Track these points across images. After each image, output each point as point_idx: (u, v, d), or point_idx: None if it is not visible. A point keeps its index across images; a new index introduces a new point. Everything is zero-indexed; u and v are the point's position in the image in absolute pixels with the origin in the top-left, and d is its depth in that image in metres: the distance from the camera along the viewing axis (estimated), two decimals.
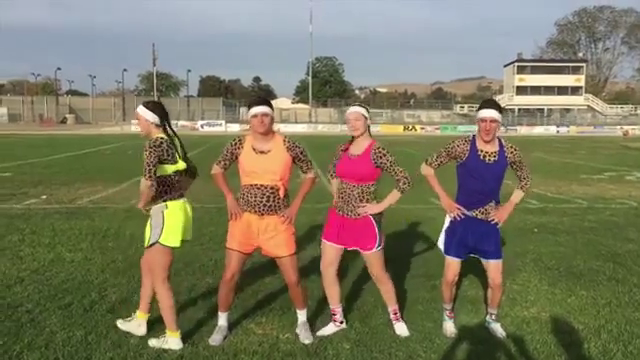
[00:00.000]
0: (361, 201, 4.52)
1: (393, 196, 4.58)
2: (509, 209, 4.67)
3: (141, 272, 4.82)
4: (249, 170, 4.42)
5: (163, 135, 4.39)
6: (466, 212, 4.65)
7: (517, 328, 4.92)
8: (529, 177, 4.72)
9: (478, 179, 4.59)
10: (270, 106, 4.46)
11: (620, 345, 4.57)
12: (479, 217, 4.65)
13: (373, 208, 4.52)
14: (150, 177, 4.16)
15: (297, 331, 4.71)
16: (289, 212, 4.50)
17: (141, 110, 4.44)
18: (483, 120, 4.53)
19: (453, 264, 4.77)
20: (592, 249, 7.75)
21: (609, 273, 6.59)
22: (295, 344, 4.53)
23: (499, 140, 4.63)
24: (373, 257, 4.62)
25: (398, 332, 4.73)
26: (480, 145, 4.61)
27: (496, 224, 4.64)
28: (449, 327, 4.86)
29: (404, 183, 4.51)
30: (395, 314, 4.82)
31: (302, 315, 4.74)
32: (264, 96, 4.74)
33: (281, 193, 4.44)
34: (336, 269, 4.75)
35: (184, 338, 4.49)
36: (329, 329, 4.76)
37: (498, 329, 4.82)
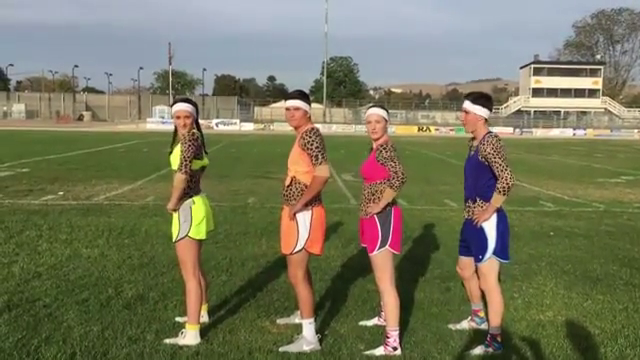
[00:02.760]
0: (369, 201, 4.47)
1: (386, 193, 4.36)
2: (489, 210, 4.40)
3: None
4: None
5: (196, 130, 4.64)
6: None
7: (533, 332, 4.89)
8: (504, 176, 4.28)
9: (464, 174, 4.68)
10: (304, 100, 4.42)
11: (637, 350, 4.53)
12: (465, 216, 4.66)
13: (374, 207, 4.41)
14: (186, 172, 4.41)
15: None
16: (292, 207, 4.39)
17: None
18: (465, 111, 4.53)
19: (458, 259, 4.87)
20: (609, 253, 7.68)
21: (626, 278, 6.54)
22: None
23: (484, 135, 4.46)
24: (373, 260, 4.50)
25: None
26: (474, 141, 4.62)
27: (476, 224, 4.45)
28: (457, 325, 4.92)
29: (393, 178, 4.31)
30: (387, 337, 4.45)
31: (304, 325, 4.48)
32: (300, 90, 4.65)
33: (286, 182, 4.44)
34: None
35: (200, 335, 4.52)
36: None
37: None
